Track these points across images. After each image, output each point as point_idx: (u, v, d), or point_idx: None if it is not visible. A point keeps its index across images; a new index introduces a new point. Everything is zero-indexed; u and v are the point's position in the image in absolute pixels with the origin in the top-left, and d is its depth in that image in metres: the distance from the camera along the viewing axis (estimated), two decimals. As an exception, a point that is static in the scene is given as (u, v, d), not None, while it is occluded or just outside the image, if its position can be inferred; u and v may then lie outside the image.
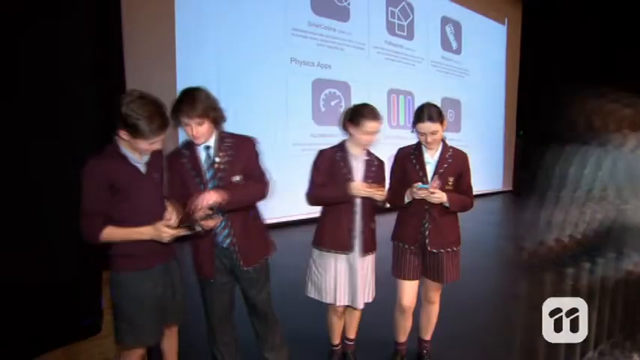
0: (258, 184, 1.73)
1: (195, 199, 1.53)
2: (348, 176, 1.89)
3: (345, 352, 2.18)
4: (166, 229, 1.46)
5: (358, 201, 1.90)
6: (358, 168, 1.93)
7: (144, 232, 1.47)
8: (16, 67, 2.07)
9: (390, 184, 2.10)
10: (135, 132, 1.42)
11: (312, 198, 1.92)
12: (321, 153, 1.96)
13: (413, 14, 7.54)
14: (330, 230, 1.93)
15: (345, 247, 1.91)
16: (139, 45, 4.40)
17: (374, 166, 1.97)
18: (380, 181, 1.95)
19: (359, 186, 1.80)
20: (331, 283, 1.94)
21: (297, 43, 5.86)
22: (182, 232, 1.49)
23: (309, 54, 6.00)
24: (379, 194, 1.82)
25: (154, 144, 1.49)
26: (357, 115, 1.86)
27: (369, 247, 1.95)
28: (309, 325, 2.49)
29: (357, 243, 1.92)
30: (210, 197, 1.53)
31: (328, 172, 1.92)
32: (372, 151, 2.04)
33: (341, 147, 1.96)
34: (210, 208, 1.54)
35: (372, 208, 1.95)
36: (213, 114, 1.59)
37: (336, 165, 1.91)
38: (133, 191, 1.53)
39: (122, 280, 1.55)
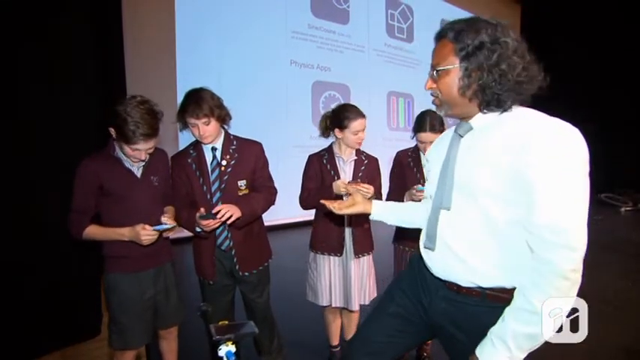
0: (267, 195, 1.74)
1: (217, 209, 1.53)
2: (334, 178, 1.88)
3: (345, 356, 2.18)
4: (145, 231, 1.44)
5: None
6: (346, 169, 1.93)
7: (123, 233, 1.48)
8: (16, 68, 2.08)
9: (390, 186, 2.10)
10: (119, 132, 1.43)
11: (303, 202, 1.94)
12: (309, 159, 1.98)
13: (412, 17, 7.58)
14: (322, 233, 1.94)
15: (336, 250, 1.91)
16: (140, 47, 4.42)
17: (363, 164, 1.95)
18: (373, 179, 1.92)
19: (340, 184, 1.78)
20: (326, 285, 1.94)
21: (297, 46, 5.88)
22: (160, 233, 1.49)
23: (308, 56, 6.01)
24: (363, 191, 1.75)
25: (137, 151, 1.47)
26: (342, 119, 1.85)
27: (362, 248, 1.93)
28: (308, 328, 2.48)
29: (350, 244, 1.91)
30: (232, 214, 1.54)
31: (318, 177, 1.92)
32: (370, 152, 2.03)
33: (328, 150, 1.97)
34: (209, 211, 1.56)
35: None
36: (219, 112, 1.61)
37: (324, 169, 1.92)
38: (125, 194, 1.53)
39: (111, 281, 1.56)
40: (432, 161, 1.15)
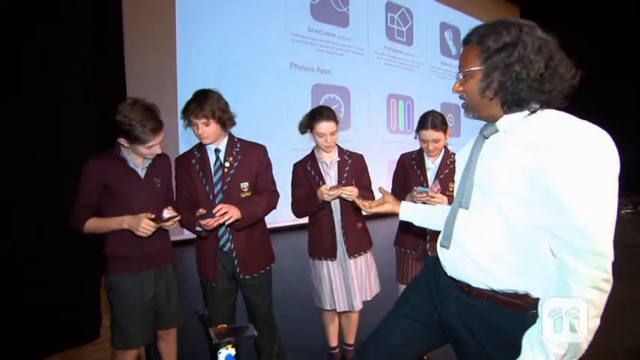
0: (269, 199, 1.74)
1: (217, 208, 1.54)
2: (319, 184, 1.85)
3: (345, 358, 2.17)
4: (147, 220, 1.45)
5: (336, 205, 1.89)
6: (331, 173, 1.92)
7: (123, 220, 1.49)
8: (17, 68, 2.08)
9: (392, 188, 2.10)
10: (130, 137, 1.47)
11: (295, 212, 1.95)
12: (294, 168, 1.99)
13: (412, 20, 7.60)
14: (316, 239, 1.95)
15: (329, 254, 1.90)
16: (140, 49, 4.43)
17: (347, 165, 1.94)
18: (361, 176, 1.93)
19: (323, 190, 1.76)
20: (327, 289, 1.94)
21: (297, 49, 5.90)
22: (159, 225, 1.50)
23: (308, 59, 6.03)
24: (347, 194, 1.74)
25: (152, 147, 1.52)
26: (311, 119, 1.85)
27: (356, 248, 1.92)
28: (307, 330, 2.47)
29: (343, 246, 1.91)
30: (231, 215, 1.55)
31: (305, 185, 1.92)
32: (370, 155, 2.03)
33: (310, 156, 1.97)
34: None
35: (355, 208, 1.85)
36: (221, 116, 1.62)
37: (309, 176, 1.92)
38: (128, 194, 1.55)
39: (113, 282, 1.58)
40: (457, 162, 1.15)
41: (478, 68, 0.94)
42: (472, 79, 0.96)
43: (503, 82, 0.90)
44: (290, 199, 1.99)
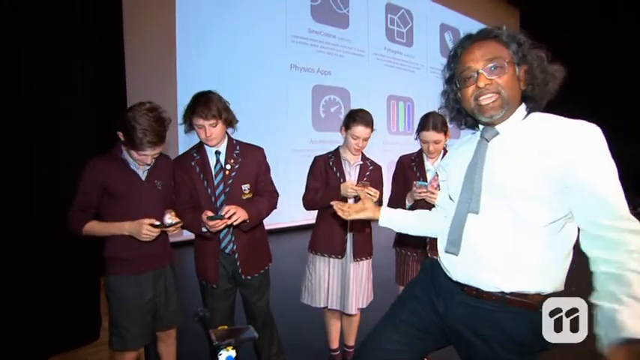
0: (270, 199, 1.75)
1: (226, 210, 1.54)
2: (340, 181, 1.89)
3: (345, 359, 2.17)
4: (149, 226, 1.46)
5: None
6: (351, 173, 1.94)
7: (124, 227, 1.49)
8: (18, 69, 2.08)
9: (392, 189, 2.10)
10: (128, 138, 1.46)
11: (307, 202, 1.95)
12: (316, 159, 2.00)
13: (412, 21, 7.60)
14: (323, 235, 1.94)
15: (338, 252, 1.91)
16: (140, 50, 4.42)
17: (368, 170, 1.96)
18: (376, 186, 1.92)
19: (348, 185, 1.78)
20: (324, 286, 1.94)
21: (297, 50, 5.90)
22: (162, 230, 1.51)
23: (309, 60, 6.03)
24: (371, 194, 1.73)
25: (143, 157, 1.51)
26: (349, 119, 1.88)
27: (362, 252, 1.94)
28: (308, 331, 2.47)
29: (351, 248, 1.92)
30: (239, 216, 1.55)
31: (323, 178, 1.93)
32: (370, 156, 2.04)
33: (335, 153, 1.99)
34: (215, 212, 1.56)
35: None
36: (226, 115, 1.63)
37: (329, 170, 1.93)
38: (129, 196, 1.55)
39: (112, 283, 1.57)
40: (452, 167, 1.14)
41: (513, 63, 0.97)
42: (508, 72, 0.96)
43: (533, 80, 0.97)
44: (288, 200, 1.99)
